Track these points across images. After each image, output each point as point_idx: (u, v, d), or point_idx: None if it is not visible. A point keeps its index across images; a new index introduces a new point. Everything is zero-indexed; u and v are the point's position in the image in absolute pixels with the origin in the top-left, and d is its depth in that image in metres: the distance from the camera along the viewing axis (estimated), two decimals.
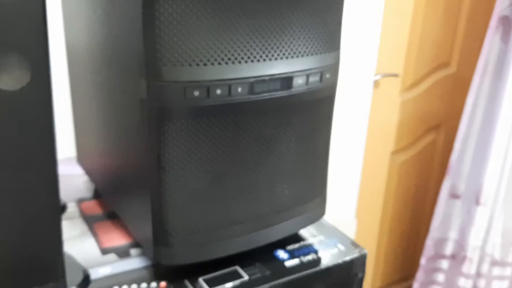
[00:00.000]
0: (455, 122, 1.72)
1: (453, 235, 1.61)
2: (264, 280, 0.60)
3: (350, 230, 1.61)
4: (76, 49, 0.73)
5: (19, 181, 0.52)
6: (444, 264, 1.65)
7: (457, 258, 1.61)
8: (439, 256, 1.66)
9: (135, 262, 0.63)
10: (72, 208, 0.77)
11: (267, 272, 0.62)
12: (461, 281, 1.60)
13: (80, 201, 0.79)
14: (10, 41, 0.47)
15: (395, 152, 1.72)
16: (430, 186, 1.85)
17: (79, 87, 0.76)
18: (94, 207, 0.77)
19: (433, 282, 1.69)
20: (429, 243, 1.66)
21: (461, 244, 1.59)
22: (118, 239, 0.68)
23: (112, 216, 0.74)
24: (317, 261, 0.65)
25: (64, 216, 0.75)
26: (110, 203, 0.74)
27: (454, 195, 1.59)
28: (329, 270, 0.64)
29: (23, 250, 0.55)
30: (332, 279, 0.65)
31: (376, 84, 1.55)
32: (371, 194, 1.71)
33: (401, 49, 1.55)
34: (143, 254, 0.64)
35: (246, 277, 0.60)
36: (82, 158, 0.83)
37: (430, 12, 1.55)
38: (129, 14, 0.50)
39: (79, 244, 0.67)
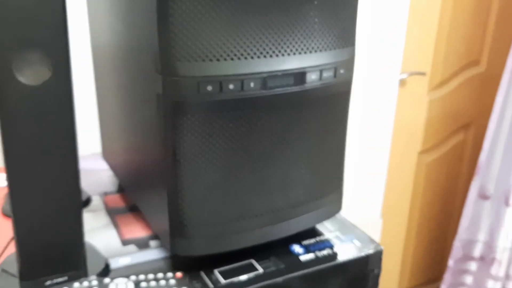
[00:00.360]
0: (484, 121, 1.68)
1: (482, 236, 1.58)
2: (279, 273, 0.61)
3: (375, 229, 1.60)
4: (99, 47, 0.76)
5: (41, 174, 0.55)
6: (473, 266, 1.62)
7: (486, 260, 1.58)
8: (467, 257, 1.63)
9: (153, 253, 0.65)
10: (96, 201, 0.79)
11: (282, 266, 0.62)
12: (490, 284, 1.56)
13: (104, 195, 0.82)
14: (32, 38, 0.50)
15: (423, 152, 1.69)
16: (459, 187, 1.82)
17: (102, 84, 0.78)
18: (117, 201, 0.80)
19: (461, 284, 1.66)
20: (457, 245, 1.63)
21: (490, 246, 1.56)
22: (138, 231, 0.70)
23: (134, 209, 0.76)
24: (332, 256, 0.65)
25: (89, 208, 0.77)
26: (131, 196, 0.76)
27: (483, 196, 1.56)
28: (344, 265, 0.65)
29: (46, 240, 0.57)
30: (347, 275, 0.66)
31: (402, 82, 1.54)
32: (398, 194, 1.69)
33: (429, 48, 1.53)
34: (161, 245, 0.66)
35: (260, 270, 0.61)
36: (106, 154, 0.85)
37: (459, 9, 1.52)
38: (144, 11, 0.52)
39: (101, 235, 0.69)
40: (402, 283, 1.86)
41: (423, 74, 1.54)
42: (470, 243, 1.61)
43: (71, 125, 0.56)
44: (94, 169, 0.92)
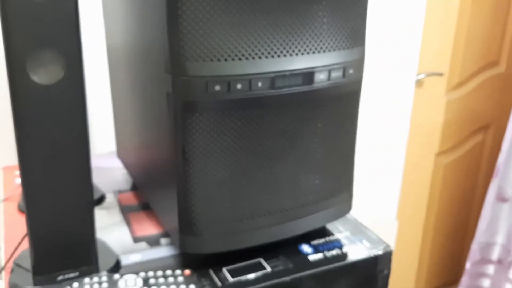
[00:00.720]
0: (504, 122, 1.66)
1: (500, 239, 1.55)
2: (287, 272, 0.61)
3: (390, 231, 1.59)
4: (113, 47, 0.77)
5: (53, 172, 0.56)
6: (490, 269, 1.60)
7: (504, 263, 1.55)
8: (485, 260, 1.61)
9: (164, 251, 0.66)
10: (110, 199, 0.81)
11: (290, 265, 0.63)
12: (508, 287, 1.54)
13: (118, 193, 0.83)
14: (45, 37, 0.51)
15: (440, 153, 1.68)
16: (477, 189, 1.80)
17: (116, 83, 0.80)
18: (130, 198, 0.81)
19: (478, 287, 1.64)
20: (475, 247, 1.61)
21: (508, 249, 1.54)
22: (149, 228, 0.71)
23: (146, 207, 0.77)
24: (341, 256, 0.65)
25: (102, 205, 0.79)
26: (143, 194, 0.77)
27: (501, 198, 1.53)
28: (353, 265, 0.65)
29: (58, 237, 0.59)
30: (356, 275, 0.66)
31: (419, 83, 1.52)
32: (414, 196, 1.68)
33: (447, 48, 1.51)
34: (171, 243, 0.67)
35: (269, 269, 0.62)
36: (120, 152, 0.87)
37: (477, 8, 1.50)
38: (154, 12, 0.53)
39: (113, 232, 0.71)
40: (419, 285, 1.84)
41: (440, 74, 1.52)
42: (487, 246, 1.59)
43: (84, 124, 0.57)
44: (110, 167, 0.93)
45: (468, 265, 1.63)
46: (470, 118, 1.67)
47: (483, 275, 1.62)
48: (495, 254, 1.57)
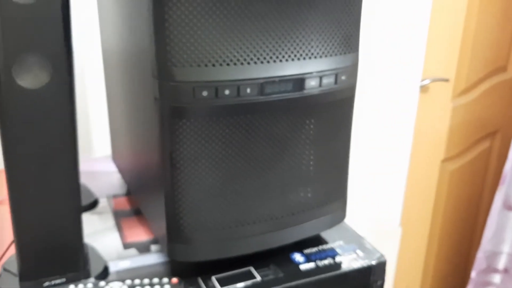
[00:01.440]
0: (511, 129, 1.63)
1: (506, 248, 1.52)
2: (276, 282, 0.60)
3: (394, 238, 1.57)
4: (107, 52, 0.77)
5: (40, 177, 0.55)
6: (496, 278, 1.57)
7: (510, 272, 1.53)
8: (491, 269, 1.58)
9: (153, 258, 0.65)
10: (103, 203, 0.80)
11: (281, 274, 0.61)
12: None
13: (113, 197, 0.82)
14: (32, 42, 0.50)
15: (446, 160, 1.65)
16: (483, 196, 1.77)
17: (110, 87, 0.79)
18: (124, 203, 0.80)
19: None
20: (481, 256, 1.58)
21: None
22: (140, 234, 0.70)
23: (139, 212, 0.76)
24: (334, 266, 0.64)
25: (95, 210, 0.78)
26: (136, 199, 0.76)
27: (508, 207, 1.51)
28: (345, 275, 0.63)
29: (45, 242, 0.58)
30: (349, 285, 0.64)
31: (425, 89, 1.50)
32: (419, 203, 1.65)
33: (453, 54, 1.49)
34: (161, 250, 0.66)
35: (258, 278, 0.60)
36: (114, 156, 0.86)
37: (485, 12, 1.48)
38: (142, 16, 0.52)
39: (104, 237, 0.70)
40: None
41: (446, 80, 1.50)
42: (494, 255, 1.56)
43: (72, 128, 0.56)
44: (106, 171, 0.92)
45: (473, 274, 1.61)
46: (477, 124, 1.65)
47: (488, 284, 1.59)
48: (501, 263, 1.54)
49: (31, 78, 0.52)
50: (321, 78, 0.56)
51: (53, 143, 0.55)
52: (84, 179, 0.76)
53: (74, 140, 0.56)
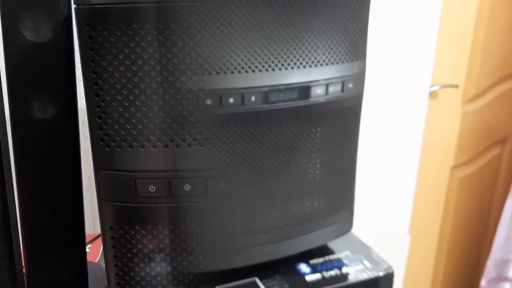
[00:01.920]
0: None
1: None
2: None
3: (403, 245, 1.55)
4: None
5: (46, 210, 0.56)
6: (507, 286, 1.54)
7: None
8: (501, 278, 1.56)
9: None
10: None
11: (286, 285, 0.60)
12: None
13: None
14: (39, 76, 0.52)
15: (456, 167, 1.63)
16: (493, 203, 1.74)
17: None
18: None
19: None
20: (491, 264, 1.56)
21: None
22: None
23: None
24: (340, 277, 0.62)
25: None
26: None
27: None
28: (352, 287, 0.62)
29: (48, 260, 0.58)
30: None
31: (434, 95, 1.49)
32: (428, 210, 1.64)
33: (463, 60, 1.47)
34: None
35: None
36: None
37: (495, 18, 1.46)
38: None
39: None
40: None
41: (455, 86, 1.49)
42: (504, 263, 1.54)
43: (76, 157, 0.57)
44: None
45: (483, 283, 1.58)
46: (487, 131, 1.63)
47: None
48: (511, 272, 1.52)
49: (40, 108, 0.53)
50: (327, 86, 0.55)
51: (59, 169, 0.56)
52: None
53: (79, 169, 0.57)
